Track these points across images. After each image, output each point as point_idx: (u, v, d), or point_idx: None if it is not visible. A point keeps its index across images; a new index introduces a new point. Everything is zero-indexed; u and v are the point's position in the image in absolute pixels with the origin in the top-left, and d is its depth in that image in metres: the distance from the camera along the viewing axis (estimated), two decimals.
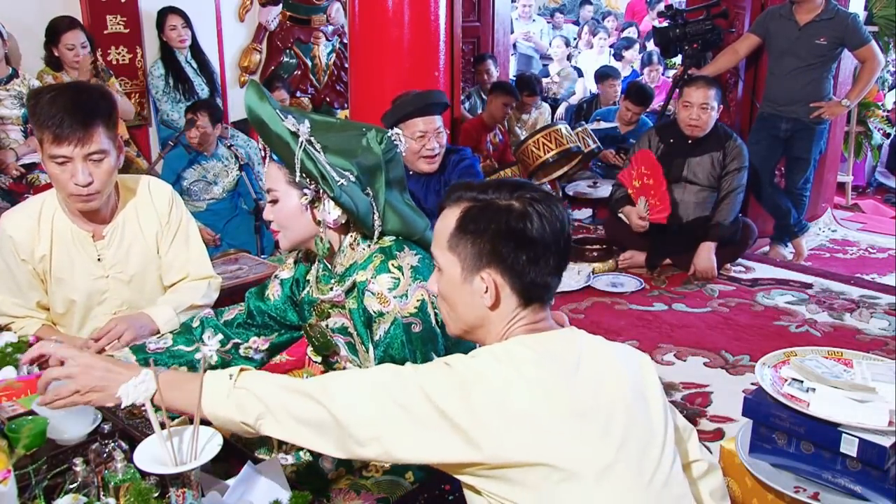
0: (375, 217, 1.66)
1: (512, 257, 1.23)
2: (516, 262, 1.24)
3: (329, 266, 1.76)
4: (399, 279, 1.63)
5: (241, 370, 1.33)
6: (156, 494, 1.25)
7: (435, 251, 1.32)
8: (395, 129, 1.73)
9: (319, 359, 1.82)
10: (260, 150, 4.81)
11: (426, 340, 1.64)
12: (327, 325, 1.77)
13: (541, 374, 1.19)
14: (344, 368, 1.79)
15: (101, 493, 1.34)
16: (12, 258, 1.97)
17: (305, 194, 1.64)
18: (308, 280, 1.84)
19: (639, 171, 4.01)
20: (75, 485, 1.33)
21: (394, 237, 1.70)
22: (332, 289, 1.73)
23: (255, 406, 1.27)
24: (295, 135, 1.58)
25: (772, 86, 4.38)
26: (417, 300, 1.62)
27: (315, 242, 1.70)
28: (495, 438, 1.15)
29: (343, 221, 1.67)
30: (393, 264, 1.64)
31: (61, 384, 1.37)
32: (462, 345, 1.75)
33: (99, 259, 2.02)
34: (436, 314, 1.65)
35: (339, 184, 1.59)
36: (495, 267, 1.24)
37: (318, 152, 1.59)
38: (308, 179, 1.62)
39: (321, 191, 1.62)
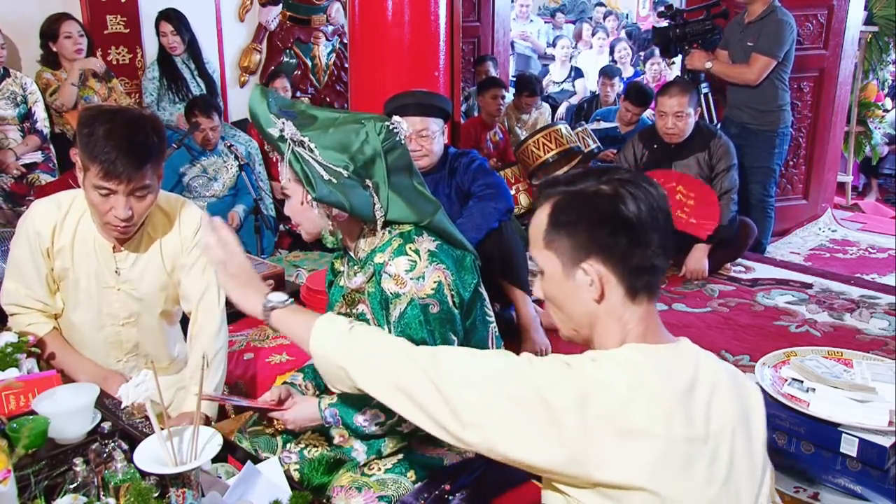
0: (377, 208, 1.69)
1: (611, 243, 1.17)
2: (616, 247, 1.17)
3: (352, 254, 1.79)
4: (416, 262, 1.66)
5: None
6: (156, 494, 1.25)
7: (533, 252, 1.27)
8: (396, 117, 1.75)
9: None
10: (260, 150, 4.82)
11: (444, 321, 1.66)
12: (354, 313, 1.80)
13: (661, 390, 1.12)
14: None
15: (101, 493, 1.34)
16: (36, 248, 1.96)
17: (307, 190, 1.66)
18: (340, 271, 1.86)
19: (670, 185, 3.97)
20: (75, 485, 1.33)
21: (412, 224, 1.73)
22: (355, 274, 1.76)
23: (358, 357, 1.26)
24: (282, 138, 1.61)
25: (728, 89, 4.40)
26: (434, 282, 1.65)
27: (323, 236, 1.73)
28: (604, 457, 1.08)
29: (346, 214, 1.70)
30: (410, 248, 1.68)
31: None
32: (479, 331, 1.79)
33: (116, 271, 2.01)
34: (452, 296, 1.68)
35: (327, 180, 1.61)
36: (596, 256, 1.18)
37: (312, 151, 1.62)
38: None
39: None
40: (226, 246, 1.45)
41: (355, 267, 1.78)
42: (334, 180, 1.62)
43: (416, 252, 1.67)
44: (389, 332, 1.69)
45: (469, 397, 1.14)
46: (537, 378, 1.12)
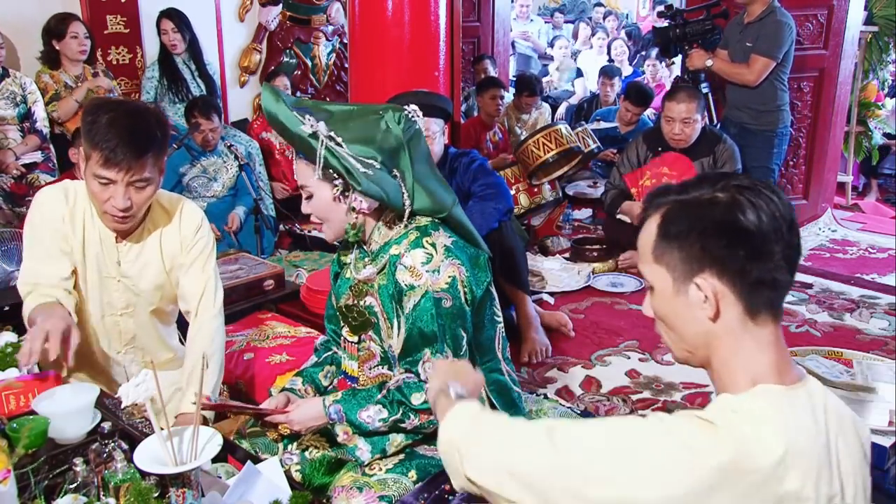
0: (405, 197, 1.69)
1: (727, 255, 1.06)
2: (733, 260, 1.06)
3: (364, 245, 1.79)
4: (432, 255, 1.67)
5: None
6: (156, 494, 1.25)
7: (642, 268, 1.17)
8: (413, 106, 1.74)
9: (356, 338, 1.84)
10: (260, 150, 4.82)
11: (455, 316, 1.67)
12: (361, 305, 1.80)
13: (811, 448, 1.02)
14: (369, 349, 1.81)
15: (101, 493, 1.34)
16: (49, 222, 1.95)
17: (336, 185, 1.67)
18: (347, 263, 1.86)
19: (658, 170, 3.98)
20: (75, 485, 1.33)
21: (429, 218, 1.73)
22: (364, 266, 1.76)
23: (473, 439, 1.17)
24: (315, 135, 1.60)
25: (728, 89, 4.41)
26: (449, 276, 1.66)
27: (346, 230, 1.73)
28: None
29: (377, 206, 1.71)
30: (427, 241, 1.69)
31: None
32: (487, 330, 1.78)
33: (119, 263, 2.01)
34: (465, 292, 1.68)
35: (363, 174, 1.61)
36: (710, 270, 1.07)
37: (340, 146, 1.62)
38: (335, 174, 1.64)
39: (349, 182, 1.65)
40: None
41: (365, 259, 1.78)
42: (370, 172, 1.62)
43: (433, 245, 1.68)
44: (400, 325, 1.70)
45: (600, 474, 1.03)
46: (682, 446, 1.00)
